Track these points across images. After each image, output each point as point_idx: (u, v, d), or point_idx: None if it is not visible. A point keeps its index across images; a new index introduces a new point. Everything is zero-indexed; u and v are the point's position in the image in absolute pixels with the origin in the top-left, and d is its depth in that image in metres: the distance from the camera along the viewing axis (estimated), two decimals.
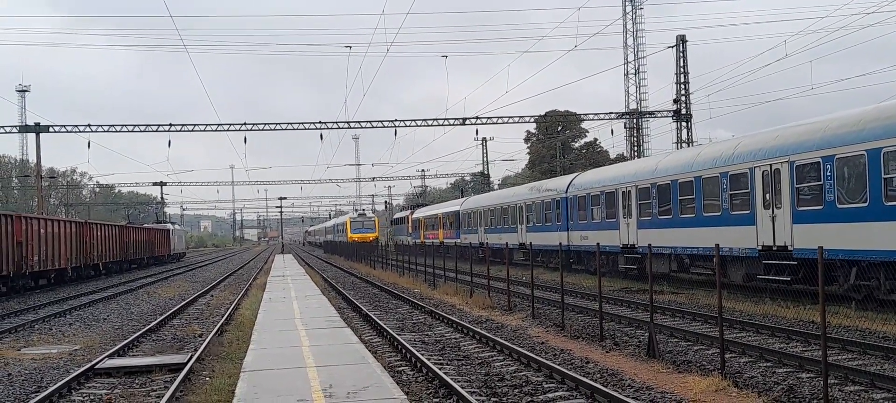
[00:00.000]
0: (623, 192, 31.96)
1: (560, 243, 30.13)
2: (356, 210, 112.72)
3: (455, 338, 18.75)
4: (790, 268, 21.60)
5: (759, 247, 22.94)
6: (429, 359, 15.03)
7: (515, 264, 41.75)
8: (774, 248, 22.28)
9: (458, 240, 56.81)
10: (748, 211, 23.45)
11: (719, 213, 24.95)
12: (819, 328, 11.02)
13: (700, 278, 28.70)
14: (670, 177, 28.24)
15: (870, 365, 13.20)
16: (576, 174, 40.84)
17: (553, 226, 39.72)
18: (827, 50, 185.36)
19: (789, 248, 21.62)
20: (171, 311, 26.36)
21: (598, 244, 20.99)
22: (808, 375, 12.77)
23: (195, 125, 52.36)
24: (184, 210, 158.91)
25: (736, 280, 24.94)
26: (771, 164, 22.36)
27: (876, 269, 18.83)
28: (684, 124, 48.93)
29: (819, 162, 20.41)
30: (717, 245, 13.76)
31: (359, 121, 55.54)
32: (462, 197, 72.45)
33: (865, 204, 18.81)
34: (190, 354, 16.57)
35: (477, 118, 51.62)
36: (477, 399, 11.59)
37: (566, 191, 38.40)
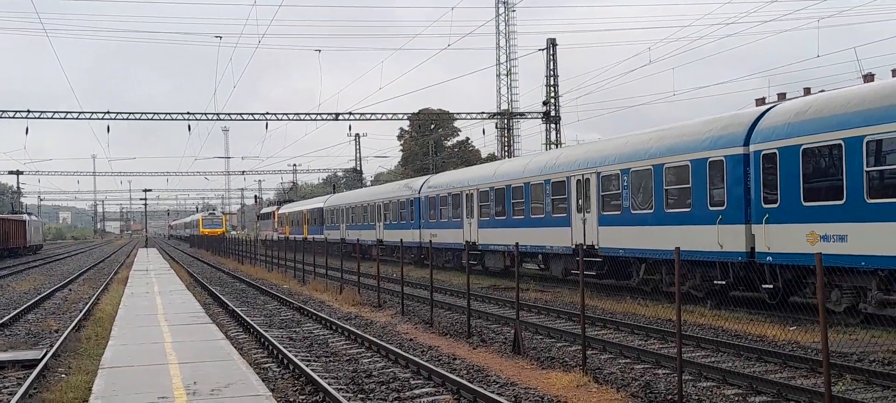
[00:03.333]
0: (466, 194, 34.24)
1: (430, 240, 30.52)
2: (208, 210, 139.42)
3: (323, 335, 18.66)
4: (597, 264, 24.47)
5: (574, 246, 25.23)
6: (296, 356, 14.90)
7: (383, 260, 42.28)
8: (585, 247, 24.43)
9: (324, 237, 56.66)
10: (565, 215, 26.02)
11: (543, 216, 27.51)
12: (675, 326, 11.47)
13: (530, 272, 31.17)
14: (505, 181, 30.74)
15: (722, 362, 13.80)
16: (428, 176, 42.95)
17: (407, 224, 41.80)
18: (688, 58, 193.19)
19: (596, 247, 24.21)
20: (25, 306, 25.25)
21: (466, 241, 21.51)
22: (664, 371, 13.28)
23: (55, 112, 50.13)
24: (41, 200, 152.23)
25: (556, 274, 28.03)
26: (583, 174, 24.95)
27: (659, 266, 21.95)
28: (553, 126, 49.93)
29: (619, 173, 23.09)
30: (579, 245, 14.18)
31: (228, 113, 54.60)
32: (333, 193, 72.01)
33: (651, 211, 21.58)
34: (45, 350, 15.97)
35: (350, 114, 51.21)
36: (344, 396, 11.56)
37: (419, 192, 40.49)
